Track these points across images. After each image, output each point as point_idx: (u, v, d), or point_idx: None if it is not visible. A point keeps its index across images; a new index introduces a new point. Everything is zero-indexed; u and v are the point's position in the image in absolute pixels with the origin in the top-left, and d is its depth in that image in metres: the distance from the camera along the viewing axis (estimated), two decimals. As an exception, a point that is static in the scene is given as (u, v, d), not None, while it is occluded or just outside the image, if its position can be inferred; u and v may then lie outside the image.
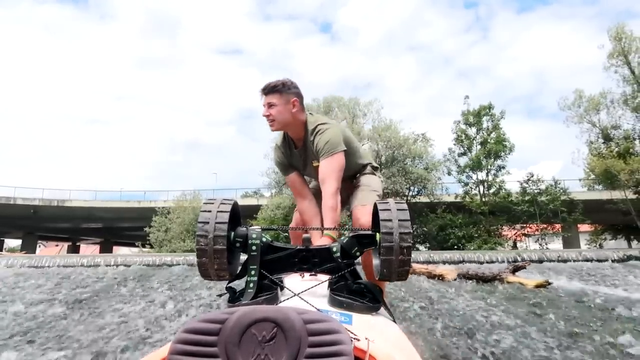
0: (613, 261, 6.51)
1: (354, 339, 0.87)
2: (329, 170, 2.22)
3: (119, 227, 43.61)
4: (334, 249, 1.41)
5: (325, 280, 1.37)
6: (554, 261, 6.36)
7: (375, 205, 1.39)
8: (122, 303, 4.07)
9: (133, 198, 39.37)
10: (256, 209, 26.82)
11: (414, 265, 5.41)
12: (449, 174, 27.20)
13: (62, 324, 3.45)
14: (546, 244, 25.45)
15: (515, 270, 5.38)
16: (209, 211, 1.35)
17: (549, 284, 4.85)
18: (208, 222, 1.32)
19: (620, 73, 25.18)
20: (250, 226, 1.46)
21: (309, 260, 1.43)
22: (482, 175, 26.04)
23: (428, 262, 6.08)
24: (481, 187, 26.07)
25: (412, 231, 1.29)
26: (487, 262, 6.23)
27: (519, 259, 6.18)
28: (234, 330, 0.77)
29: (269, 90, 2.25)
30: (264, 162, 29.63)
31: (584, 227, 32.96)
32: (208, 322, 0.80)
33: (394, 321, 1.46)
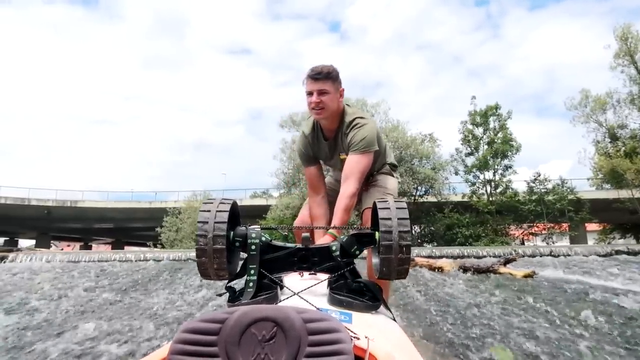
0: (599, 255, 6.94)
1: (354, 337, 0.88)
2: (356, 168, 2.16)
3: (130, 227, 44.24)
4: (334, 248, 1.41)
5: (325, 279, 1.36)
6: (545, 255, 6.83)
7: (374, 204, 1.39)
8: (162, 289, 4.62)
9: (144, 198, 39.98)
10: (265, 209, 27.23)
11: (417, 259, 5.89)
12: (456, 173, 27.45)
13: (117, 305, 4.00)
14: (553, 243, 25.62)
15: (506, 262, 5.90)
16: (208, 211, 1.35)
17: (535, 274, 5.35)
18: (207, 222, 1.32)
19: (626, 73, 25.35)
20: (250, 225, 1.47)
21: (308, 259, 1.43)
22: (489, 175, 26.27)
23: (430, 257, 6.52)
24: (488, 187, 26.28)
25: (411, 230, 1.31)
26: (484, 257, 6.67)
27: (514, 254, 6.65)
28: (234, 330, 0.78)
29: (324, 76, 2.14)
30: (272, 162, 30.00)
31: (592, 226, 33.01)
32: (208, 322, 0.80)
33: (394, 320, 1.47)
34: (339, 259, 1.39)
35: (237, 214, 1.47)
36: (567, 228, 26.00)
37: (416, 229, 28.98)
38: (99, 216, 39.77)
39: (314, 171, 2.46)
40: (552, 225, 25.41)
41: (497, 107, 26.74)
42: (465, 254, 6.92)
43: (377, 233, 1.36)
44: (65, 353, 2.83)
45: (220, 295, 1.52)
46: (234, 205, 1.43)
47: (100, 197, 40.96)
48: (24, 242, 54.69)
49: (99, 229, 46.47)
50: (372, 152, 2.22)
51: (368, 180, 2.51)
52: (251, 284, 1.33)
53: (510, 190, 25.65)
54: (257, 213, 24.89)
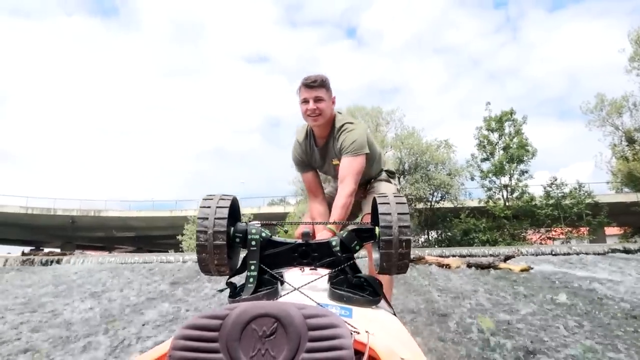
0: (597, 254, 7.46)
1: (354, 332, 0.89)
2: (350, 170, 2.22)
3: (151, 235, 45.29)
4: (334, 243, 1.41)
5: (325, 275, 1.38)
6: (546, 254, 7.32)
7: (374, 200, 1.40)
8: (207, 283, 5.27)
9: (165, 207, 41.04)
10: (283, 216, 27.79)
11: (427, 257, 6.48)
12: (472, 179, 27.59)
13: (174, 293, 4.67)
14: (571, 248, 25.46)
15: (506, 259, 6.59)
16: (208, 207, 1.36)
17: (531, 268, 6.00)
18: (207, 218, 1.33)
19: (642, 76, 25.31)
20: (250, 222, 1.49)
21: (308, 254, 1.43)
22: (505, 180, 26.35)
23: (440, 256, 7.25)
24: (504, 192, 26.36)
25: (411, 224, 1.32)
26: (490, 256, 7.23)
27: (517, 253, 7.22)
28: (235, 326, 0.79)
29: (318, 84, 2.23)
30: (290, 170, 30.55)
31: (612, 230, 32.68)
32: (208, 318, 0.81)
33: (394, 314, 1.50)
34: (339, 254, 1.40)
35: (238, 210, 1.49)
36: (585, 232, 25.87)
37: (433, 234, 29.17)
38: (121, 225, 40.83)
39: (310, 177, 2.56)
40: (569, 229, 25.31)
41: (512, 113, 26.85)
42: (472, 253, 7.50)
43: (377, 228, 1.38)
44: (162, 316, 3.67)
45: (221, 291, 1.54)
46: (234, 201, 1.44)
47: (122, 207, 42.14)
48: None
49: (121, 238, 47.62)
50: (363, 154, 2.28)
51: (366, 188, 2.58)
52: (251, 280, 1.34)
53: (526, 195, 25.66)
54: (275, 220, 25.46)
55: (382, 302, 1.41)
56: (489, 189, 26.71)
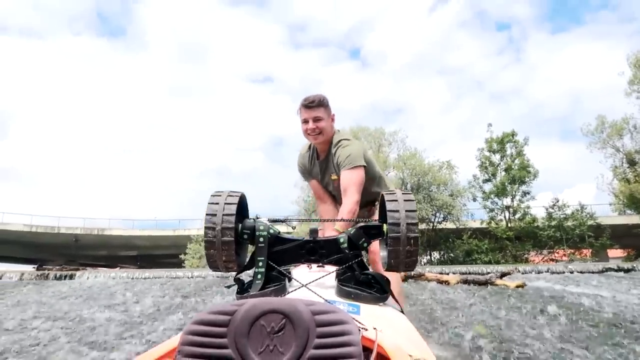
0: (592, 272, 7.61)
1: (362, 329, 0.88)
2: (351, 181, 2.26)
3: (154, 254, 45.24)
4: (341, 240, 1.40)
5: (333, 272, 1.37)
6: (543, 272, 7.59)
7: (382, 196, 1.39)
8: (217, 295, 5.54)
9: (168, 226, 40.92)
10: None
11: (426, 274, 6.74)
12: (474, 200, 27.73)
13: (187, 304, 4.85)
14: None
15: (502, 275, 7.00)
16: (217, 203, 1.35)
17: (525, 285, 6.30)
18: (215, 215, 1.33)
19: (642, 99, 25.63)
20: (258, 218, 1.46)
21: (316, 251, 1.42)
22: (507, 201, 26.47)
23: (440, 273, 7.62)
24: (506, 213, 26.44)
25: (418, 222, 1.31)
26: (487, 273, 7.50)
27: (514, 270, 7.50)
28: (243, 322, 0.78)
29: (317, 104, 2.34)
30: (294, 190, 30.76)
31: (616, 253, 32.53)
32: (217, 314, 0.81)
33: (402, 311, 1.50)
34: (346, 251, 1.39)
35: (246, 207, 1.48)
36: (587, 254, 25.79)
37: (435, 255, 29.16)
38: (125, 244, 40.76)
39: (316, 184, 2.69)
40: (572, 251, 25.27)
41: (513, 134, 27.14)
42: (471, 271, 7.81)
43: (384, 225, 1.36)
44: (181, 322, 3.92)
45: (228, 287, 1.53)
46: (242, 197, 1.43)
47: (126, 225, 41.94)
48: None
49: (123, 257, 47.56)
50: (360, 167, 2.33)
51: (370, 211, 2.61)
52: (259, 276, 1.34)
53: (528, 216, 25.73)
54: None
55: (390, 300, 1.40)
56: (491, 210, 26.80)
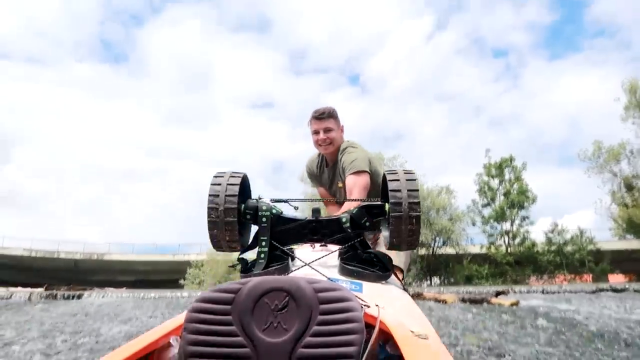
0: (586, 292, 7.82)
1: (365, 306, 0.89)
2: (356, 185, 2.26)
3: (153, 280, 44.89)
4: (344, 220, 1.40)
5: (335, 250, 1.40)
6: (537, 292, 7.79)
7: (384, 175, 1.38)
8: None
9: (167, 251, 40.65)
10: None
11: (425, 293, 6.94)
12: (474, 224, 27.83)
13: None
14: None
15: (497, 294, 7.34)
16: (219, 184, 1.36)
17: (518, 303, 6.52)
18: (218, 195, 1.34)
19: (638, 124, 26.03)
20: (260, 199, 1.46)
21: (319, 231, 1.43)
22: (506, 225, 26.58)
23: (437, 293, 7.76)
24: (506, 237, 26.50)
25: (420, 201, 1.30)
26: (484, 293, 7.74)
27: (508, 291, 7.72)
28: (247, 300, 0.79)
29: (327, 115, 2.41)
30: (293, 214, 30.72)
31: (617, 278, 32.37)
32: (222, 292, 0.82)
33: (404, 289, 1.51)
34: (349, 230, 1.38)
35: (248, 187, 1.49)
36: (588, 279, 25.69)
37: (435, 280, 29.05)
38: (124, 268, 40.43)
39: (324, 191, 2.73)
40: (572, 276, 25.20)
41: (511, 159, 27.48)
42: (467, 290, 8.04)
43: (387, 205, 1.36)
44: None
45: (232, 266, 1.53)
46: (245, 178, 1.44)
47: (125, 250, 41.73)
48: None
49: (123, 282, 47.16)
50: (365, 172, 2.32)
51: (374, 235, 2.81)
52: (262, 256, 1.35)
53: (528, 241, 25.79)
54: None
55: (392, 278, 1.42)
56: (491, 235, 26.86)
